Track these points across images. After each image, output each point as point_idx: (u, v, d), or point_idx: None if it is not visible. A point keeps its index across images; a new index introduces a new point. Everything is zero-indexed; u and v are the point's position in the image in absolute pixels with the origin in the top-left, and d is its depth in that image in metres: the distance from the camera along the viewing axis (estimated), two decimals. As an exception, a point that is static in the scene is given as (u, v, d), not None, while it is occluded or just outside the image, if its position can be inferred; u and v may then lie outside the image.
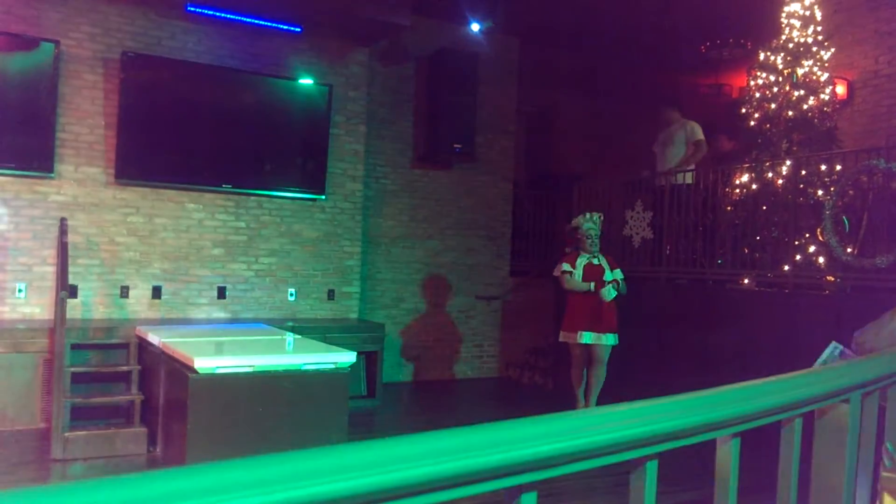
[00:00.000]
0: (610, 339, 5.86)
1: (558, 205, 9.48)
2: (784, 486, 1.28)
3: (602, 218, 6.07)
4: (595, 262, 5.96)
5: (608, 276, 5.87)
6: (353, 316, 7.59)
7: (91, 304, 6.38)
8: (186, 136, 6.65)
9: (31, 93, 6.03)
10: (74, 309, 6.17)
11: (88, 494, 0.62)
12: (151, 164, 6.50)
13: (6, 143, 5.95)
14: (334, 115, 7.40)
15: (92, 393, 5.45)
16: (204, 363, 4.31)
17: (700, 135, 7.21)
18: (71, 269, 5.96)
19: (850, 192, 5.49)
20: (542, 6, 8.06)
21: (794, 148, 6.22)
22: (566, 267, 5.99)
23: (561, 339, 6.04)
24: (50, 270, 6.16)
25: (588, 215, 6.02)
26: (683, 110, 7.63)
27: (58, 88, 6.17)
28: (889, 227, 5.17)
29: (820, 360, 1.79)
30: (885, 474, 1.44)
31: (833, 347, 1.82)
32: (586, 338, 5.82)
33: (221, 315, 6.90)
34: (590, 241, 5.92)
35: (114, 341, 5.74)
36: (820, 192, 5.79)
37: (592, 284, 5.84)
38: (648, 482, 1.09)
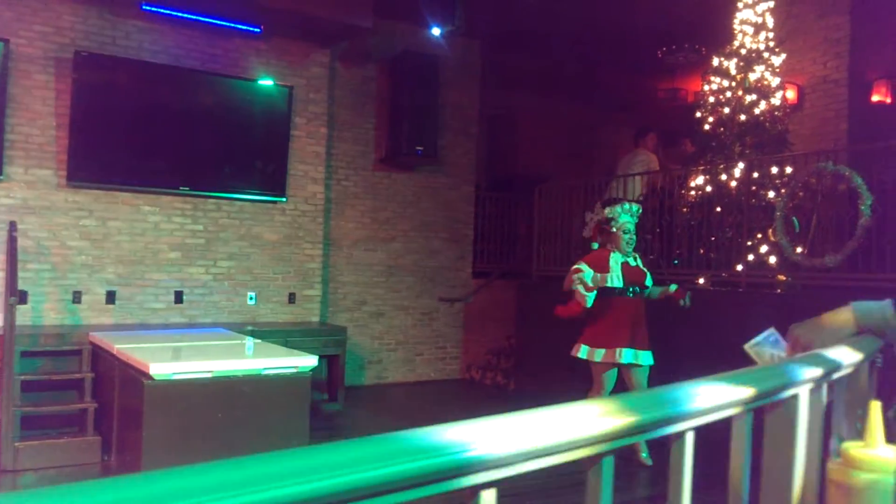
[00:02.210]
0: (649, 359, 4.93)
1: (520, 207, 9.55)
2: (735, 479, 1.31)
3: (640, 211, 5.15)
4: (632, 262, 4.99)
5: (649, 280, 5.04)
6: (315, 319, 7.53)
7: (42, 310, 6.21)
8: (142, 137, 6.53)
9: (-22, 93, 5.87)
10: (24, 315, 6.00)
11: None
12: (105, 166, 6.37)
13: (-47, 145, 5.77)
14: (295, 116, 7.34)
15: (43, 401, 5.31)
16: (160, 369, 4.23)
17: (657, 166, 7.59)
18: (21, 273, 5.81)
19: (800, 193, 5.64)
20: (503, 10, 8.11)
21: (747, 151, 6.37)
22: (583, 267, 4.87)
23: (582, 356, 4.93)
24: (-1, 275, 5.99)
25: (627, 206, 4.99)
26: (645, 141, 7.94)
27: (7, 88, 6.01)
28: (837, 227, 5.32)
29: (753, 341, 1.84)
30: (832, 466, 1.48)
31: (769, 333, 1.87)
32: (626, 356, 4.80)
33: (179, 320, 6.79)
34: (627, 236, 4.91)
35: (66, 348, 5.60)
36: (771, 194, 5.94)
37: (632, 289, 4.91)
38: (605, 479, 1.11)
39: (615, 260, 4.90)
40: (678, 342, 6.01)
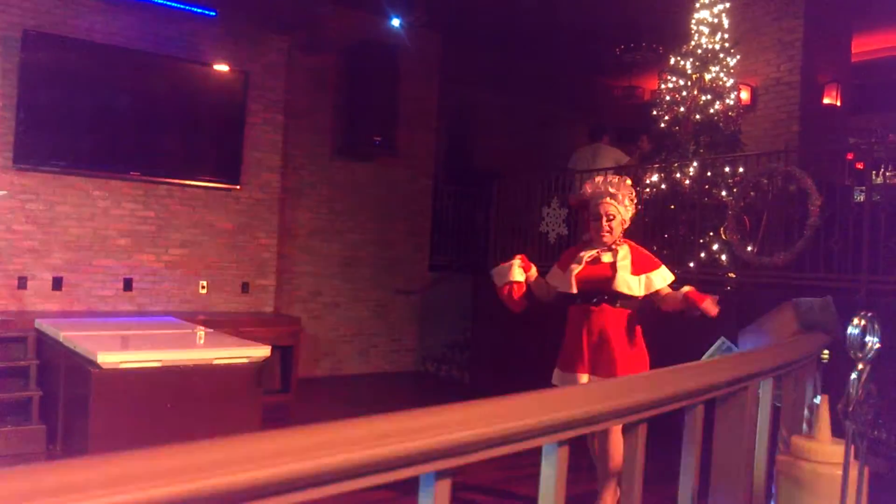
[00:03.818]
0: None
1: (477, 201, 9.56)
2: (687, 468, 1.33)
3: (630, 186, 3.62)
4: (606, 257, 3.55)
5: (626, 282, 3.45)
6: (269, 309, 7.43)
7: (-15, 296, 6.00)
8: (92, 120, 6.34)
9: (-82, 69, 5.63)
10: (-34, 300, 5.80)
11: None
12: (53, 149, 6.17)
13: None
14: (251, 103, 7.21)
15: (-15, 389, 5.13)
16: (107, 357, 4.13)
17: (626, 158, 7.63)
18: (-38, 258, 5.60)
19: (752, 193, 5.76)
20: (464, 4, 8.10)
21: (701, 150, 6.48)
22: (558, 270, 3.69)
23: (554, 382, 3.67)
24: (-62, 259, 5.77)
25: (605, 178, 3.60)
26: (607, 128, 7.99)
27: (-51, 65, 5.78)
28: (787, 227, 5.45)
29: (707, 354, 1.87)
30: (780, 457, 1.51)
31: (721, 342, 1.90)
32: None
33: (128, 308, 6.63)
34: (603, 220, 3.51)
35: (10, 335, 5.43)
36: (724, 193, 6.06)
37: (595, 298, 3.52)
38: (559, 469, 1.11)
39: (583, 255, 3.59)
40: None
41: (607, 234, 3.53)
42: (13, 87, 6.01)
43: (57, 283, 6.30)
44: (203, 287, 7.05)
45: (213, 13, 6.84)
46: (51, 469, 0.65)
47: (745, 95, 7.25)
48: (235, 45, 7.17)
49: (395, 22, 7.66)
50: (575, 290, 3.54)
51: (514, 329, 6.74)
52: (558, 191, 7.48)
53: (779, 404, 1.65)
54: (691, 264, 5.99)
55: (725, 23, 6.69)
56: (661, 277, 3.53)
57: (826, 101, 7.42)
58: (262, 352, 4.69)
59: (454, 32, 8.90)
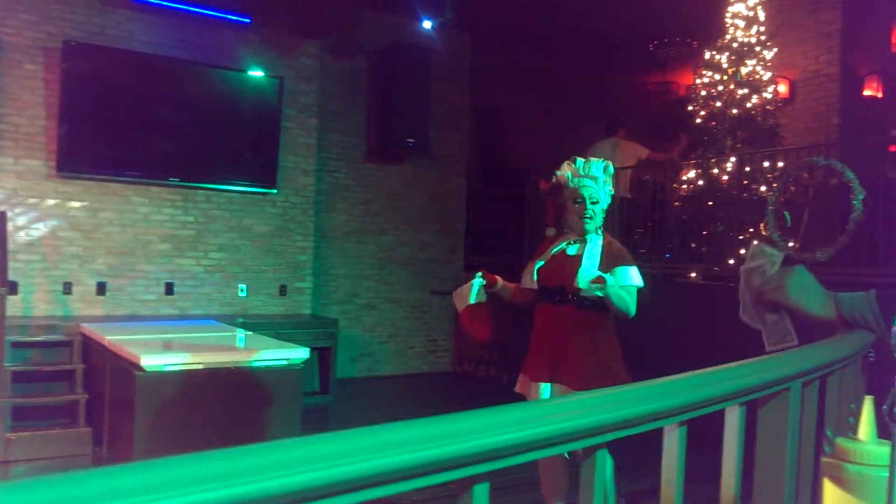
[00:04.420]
0: None
1: (511, 200, 9.54)
2: (728, 472, 1.31)
3: (612, 171, 3.23)
4: (572, 250, 3.16)
5: (585, 275, 3.01)
6: (306, 311, 7.51)
7: (32, 301, 6.17)
8: (132, 128, 6.48)
9: (-34, 82, 5.81)
10: (15, 306, 5.95)
11: (24, 493, 0.60)
12: (95, 157, 6.32)
13: (-60, 135, 5.71)
14: (285, 107, 7.30)
15: (34, 392, 5.28)
16: (151, 361, 4.21)
17: (646, 151, 7.52)
18: (11, 264, 5.76)
19: (792, 188, 5.66)
20: (495, 4, 8.09)
21: (739, 145, 6.38)
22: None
23: (517, 391, 3.40)
24: (-12, 266, 5.94)
25: (581, 163, 3.17)
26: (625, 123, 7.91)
27: (-5, 78, 5.95)
28: (828, 222, 5.34)
29: (749, 255, 1.84)
30: (825, 459, 1.48)
31: (757, 247, 1.87)
32: (545, 394, 3.20)
33: (169, 311, 6.76)
34: (579, 206, 3.13)
35: (56, 339, 5.57)
36: (763, 188, 5.96)
37: (560, 295, 3.11)
38: (598, 472, 1.11)
39: (555, 249, 3.22)
40: (666, 338, 6.03)
41: (590, 220, 3.13)
42: (56, 97, 6.17)
43: (101, 289, 6.45)
44: (242, 290, 7.15)
45: (248, 20, 6.93)
46: (97, 475, 0.66)
47: (782, 89, 7.12)
48: (269, 51, 7.26)
49: (427, 24, 7.67)
50: (535, 287, 3.18)
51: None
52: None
53: (824, 404, 1.62)
54: (731, 261, 5.90)
55: (761, 16, 6.59)
56: (625, 275, 3.06)
57: (867, 92, 7.25)
58: (300, 354, 4.74)
59: (485, 32, 8.89)
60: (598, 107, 10.64)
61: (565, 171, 3.20)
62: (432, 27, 7.85)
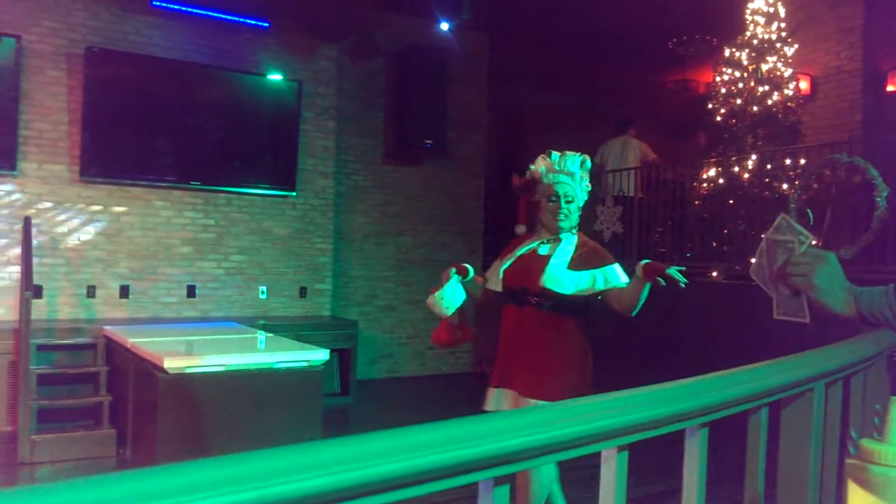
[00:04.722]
0: None
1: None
2: (752, 474, 1.30)
3: (589, 166, 3.04)
4: (543, 250, 2.94)
5: (554, 280, 2.80)
6: (326, 313, 7.55)
7: (57, 305, 6.26)
8: (153, 132, 6.55)
9: (-9, 89, 5.90)
10: (39, 309, 6.04)
11: (58, 496, 0.61)
12: (117, 162, 6.40)
13: (-34, 141, 5.81)
14: (304, 110, 7.34)
15: (59, 395, 5.35)
16: (173, 363, 4.26)
17: (653, 154, 7.47)
18: (36, 268, 5.85)
19: (814, 185, 5.60)
20: (510, 3, 8.08)
21: (760, 143, 6.32)
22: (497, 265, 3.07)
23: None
24: (14, 270, 6.03)
25: (556, 157, 3.01)
26: (636, 121, 7.86)
27: (20, 85, 6.03)
28: (852, 219, 5.28)
29: (773, 229, 1.80)
30: (849, 461, 1.47)
31: (781, 220, 1.83)
32: (494, 401, 3.02)
33: (191, 314, 6.82)
34: (554, 206, 2.93)
35: (80, 342, 5.65)
36: (785, 186, 5.90)
37: (529, 298, 2.87)
38: (619, 474, 1.11)
39: (524, 249, 3.00)
40: (683, 337, 5.99)
41: (564, 219, 2.91)
42: (78, 102, 6.25)
43: (124, 292, 6.53)
44: (262, 292, 7.20)
45: (267, 24, 6.98)
46: (125, 479, 0.67)
47: (804, 85, 7.05)
48: (288, 55, 7.31)
49: (444, 26, 7.68)
50: (500, 288, 2.96)
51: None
52: (612, 189, 7.40)
53: (848, 405, 1.60)
54: (752, 260, 5.85)
55: (781, 12, 6.52)
56: (615, 274, 2.84)
57: (890, 88, 7.15)
58: (321, 355, 4.77)
59: (502, 32, 8.88)
60: (616, 106, 10.59)
61: (540, 165, 3.01)
62: (449, 29, 7.86)
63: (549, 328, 2.86)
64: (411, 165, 8.46)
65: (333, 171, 7.69)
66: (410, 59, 8.14)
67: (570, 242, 2.93)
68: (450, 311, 2.97)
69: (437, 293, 2.99)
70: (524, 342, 2.88)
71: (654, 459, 3.71)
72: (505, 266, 2.97)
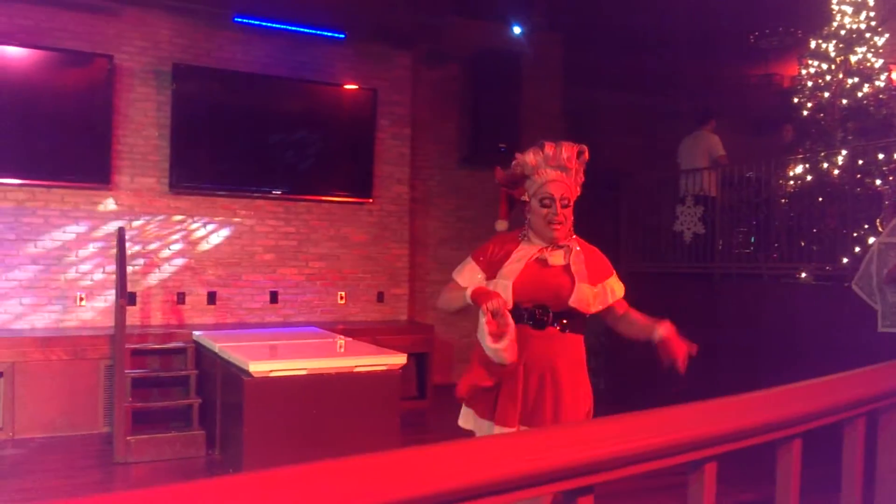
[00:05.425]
0: None
1: (606, 201, 9.37)
2: (848, 486, 1.25)
3: (585, 156, 2.64)
4: (555, 258, 2.56)
5: (585, 300, 2.50)
6: (403, 317, 7.63)
7: (149, 311, 6.55)
8: (236, 144, 6.79)
9: (87, 107, 6.23)
10: (133, 316, 6.35)
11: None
12: (204, 173, 6.67)
13: (65, 157, 6.16)
14: (379, 118, 7.46)
15: (152, 397, 5.60)
16: (258, 366, 4.40)
17: (722, 150, 7.19)
18: (129, 276, 6.14)
19: (911, 180, 5.31)
20: (584, 4, 7.98)
21: (850, 137, 6.05)
22: (472, 274, 2.71)
23: (466, 425, 2.83)
24: (109, 279, 6.35)
25: (546, 151, 2.57)
26: (715, 113, 7.60)
27: (112, 102, 6.36)
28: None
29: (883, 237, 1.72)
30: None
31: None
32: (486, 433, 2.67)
33: (274, 319, 7.02)
34: (548, 212, 2.54)
35: (172, 346, 5.89)
36: (878, 182, 5.62)
37: (538, 317, 2.54)
38: (708, 483, 1.08)
39: (521, 255, 2.58)
40: (777, 343, 5.76)
41: (560, 226, 2.51)
42: (167, 117, 6.54)
43: (211, 298, 6.78)
44: (341, 298, 7.35)
45: (342, 36, 7.13)
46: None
47: (897, 76, 6.69)
48: (363, 64, 7.44)
49: (517, 30, 7.66)
50: (511, 305, 2.49)
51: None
52: (687, 187, 7.22)
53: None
54: (844, 259, 5.59)
55: (870, 1, 6.22)
56: (620, 287, 2.60)
57: None
58: (398, 359, 4.83)
59: (576, 34, 8.78)
60: (696, 104, 10.31)
61: (529, 158, 2.58)
62: (522, 32, 7.83)
63: (576, 354, 2.55)
64: (485, 170, 8.44)
65: (408, 176, 7.77)
66: (483, 63, 8.14)
67: (578, 251, 2.59)
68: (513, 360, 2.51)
69: (502, 345, 2.51)
70: (558, 375, 2.49)
71: (741, 468, 3.59)
72: (514, 277, 2.53)
